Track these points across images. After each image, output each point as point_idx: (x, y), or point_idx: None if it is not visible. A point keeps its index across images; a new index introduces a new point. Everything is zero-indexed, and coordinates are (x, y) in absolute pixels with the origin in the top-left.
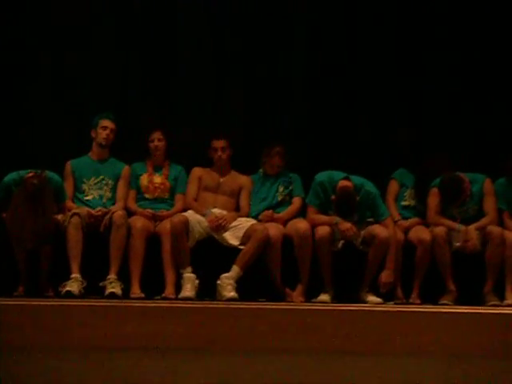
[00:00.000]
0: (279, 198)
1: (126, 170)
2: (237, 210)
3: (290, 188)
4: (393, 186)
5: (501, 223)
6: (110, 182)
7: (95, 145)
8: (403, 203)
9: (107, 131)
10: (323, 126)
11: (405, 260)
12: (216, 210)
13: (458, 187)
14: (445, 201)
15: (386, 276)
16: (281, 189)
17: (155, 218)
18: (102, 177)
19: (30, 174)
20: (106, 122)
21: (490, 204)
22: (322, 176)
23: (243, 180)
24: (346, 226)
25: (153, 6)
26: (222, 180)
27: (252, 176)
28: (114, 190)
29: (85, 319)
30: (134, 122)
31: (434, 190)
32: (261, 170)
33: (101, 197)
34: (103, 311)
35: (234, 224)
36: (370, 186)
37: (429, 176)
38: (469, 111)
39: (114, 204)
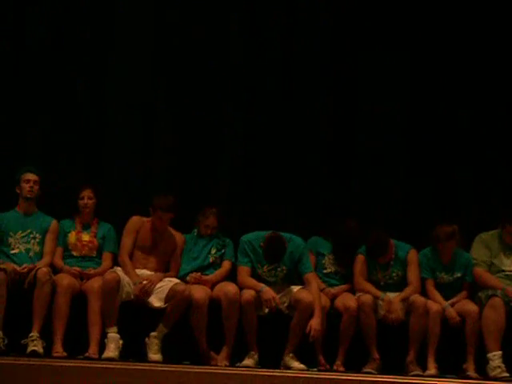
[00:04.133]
0: (210, 260)
1: (54, 224)
2: (167, 269)
3: (223, 251)
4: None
5: (424, 291)
6: (37, 235)
7: (21, 200)
8: (325, 271)
9: (30, 184)
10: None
11: (330, 327)
12: (145, 272)
13: (385, 242)
14: (371, 255)
15: (315, 323)
16: (213, 251)
17: (82, 277)
18: (29, 230)
19: None
20: (29, 175)
21: (413, 273)
22: (247, 236)
23: (177, 239)
24: (268, 296)
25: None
26: (156, 240)
27: (186, 235)
28: (41, 243)
29: (5, 377)
30: (63, 179)
31: (360, 257)
32: (195, 230)
33: (27, 251)
34: (24, 370)
35: (158, 285)
36: (298, 239)
37: (344, 239)
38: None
39: (41, 258)
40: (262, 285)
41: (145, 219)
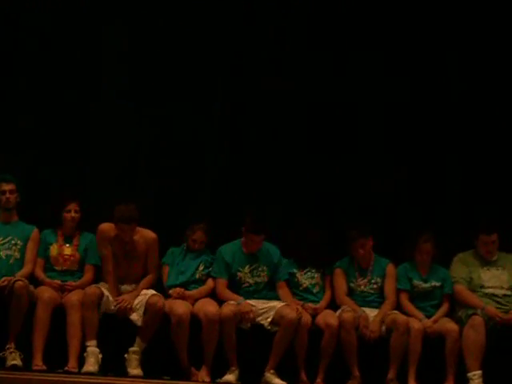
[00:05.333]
0: (197, 276)
1: (35, 232)
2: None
3: (210, 269)
4: None
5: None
6: (19, 242)
7: (0, 210)
8: (301, 288)
9: (6, 195)
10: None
11: (311, 344)
12: (126, 288)
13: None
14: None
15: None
16: (201, 267)
17: (62, 290)
18: (10, 237)
19: None
20: (3, 186)
21: (389, 287)
22: (224, 245)
23: (147, 239)
24: (247, 308)
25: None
26: (127, 248)
27: (174, 248)
28: (22, 250)
29: None
30: (47, 186)
31: (338, 271)
32: (184, 244)
33: (8, 257)
34: (3, 383)
35: (136, 302)
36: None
37: (302, 243)
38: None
39: (21, 266)
40: (240, 298)
41: (112, 226)
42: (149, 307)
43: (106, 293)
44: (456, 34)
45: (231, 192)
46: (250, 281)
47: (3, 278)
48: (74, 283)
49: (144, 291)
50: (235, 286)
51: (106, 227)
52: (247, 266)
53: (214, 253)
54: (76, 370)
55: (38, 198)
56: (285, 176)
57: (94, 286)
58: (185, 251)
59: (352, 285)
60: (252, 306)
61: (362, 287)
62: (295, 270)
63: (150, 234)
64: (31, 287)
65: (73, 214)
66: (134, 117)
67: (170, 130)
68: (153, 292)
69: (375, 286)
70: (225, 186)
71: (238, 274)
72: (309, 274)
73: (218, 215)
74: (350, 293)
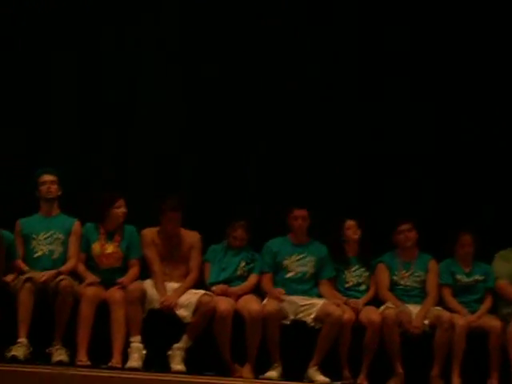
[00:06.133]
0: (238, 272)
1: (76, 225)
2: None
3: (251, 265)
4: None
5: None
6: (60, 235)
7: (42, 202)
8: (346, 285)
9: (47, 185)
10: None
11: (355, 340)
12: (172, 286)
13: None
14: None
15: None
16: (242, 264)
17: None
18: (52, 231)
19: None
20: (44, 177)
21: (432, 282)
22: (270, 240)
23: (191, 238)
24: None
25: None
26: (171, 248)
27: (215, 246)
28: (64, 244)
29: None
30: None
31: (381, 266)
32: (225, 241)
33: (51, 252)
34: (49, 378)
35: (185, 299)
36: None
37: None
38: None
39: (64, 261)
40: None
41: (154, 229)
42: (201, 306)
43: (150, 291)
44: None
45: (272, 189)
46: (297, 269)
47: (42, 274)
48: (127, 280)
49: (194, 290)
50: (279, 274)
51: (149, 232)
52: (294, 255)
53: (254, 249)
54: (120, 366)
55: (74, 190)
56: (326, 174)
57: (136, 282)
58: (225, 248)
59: (395, 278)
60: (293, 302)
61: (405, 280)
62: (343, 267)
63: (194, 234)
64: (75, 284)
65: (123, 210)
66: (173, 113)
67: (208, 127)
68: (203, 291)
69: (418, 280)
70: (266, 183)
71: (284, 262)
72: (357, 272)
73: (259, 212)
74: (393, 287)
